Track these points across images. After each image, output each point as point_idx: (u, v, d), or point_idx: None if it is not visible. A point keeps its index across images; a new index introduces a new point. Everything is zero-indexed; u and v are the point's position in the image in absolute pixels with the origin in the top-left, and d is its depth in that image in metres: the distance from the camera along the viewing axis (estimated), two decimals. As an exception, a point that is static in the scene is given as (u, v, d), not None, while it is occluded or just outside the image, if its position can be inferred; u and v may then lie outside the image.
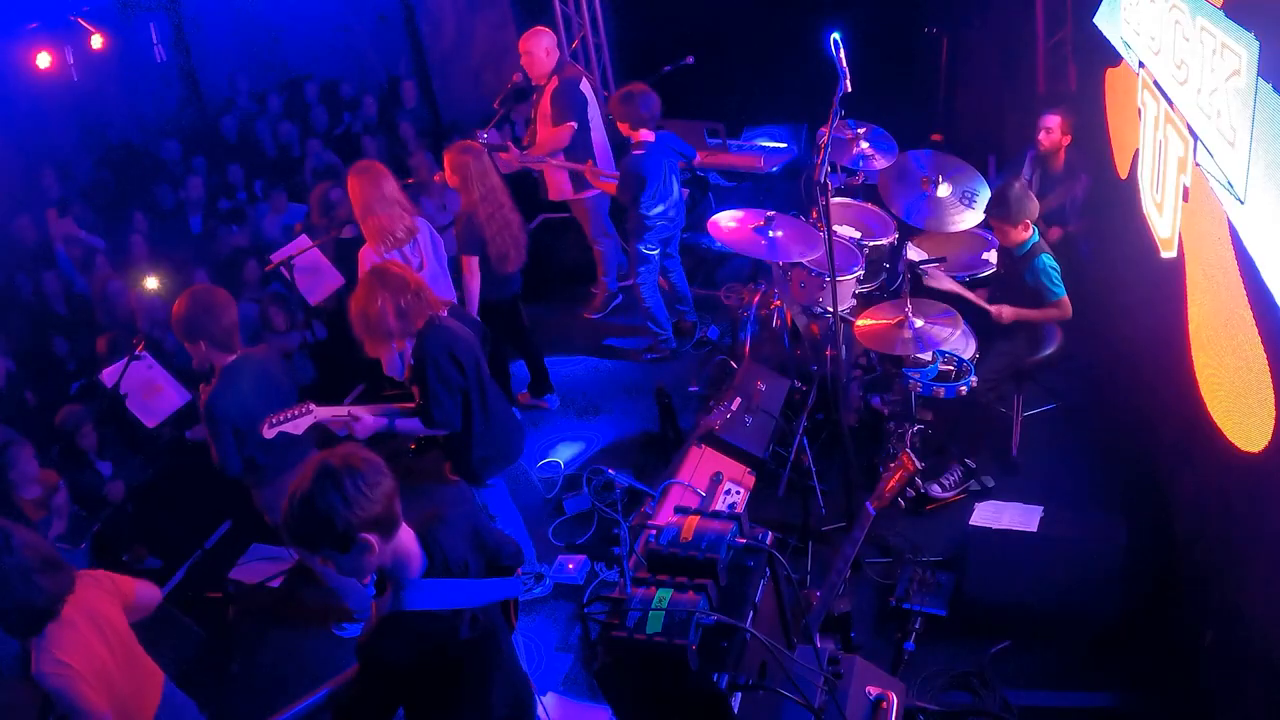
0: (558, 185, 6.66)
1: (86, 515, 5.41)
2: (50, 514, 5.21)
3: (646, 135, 5.79)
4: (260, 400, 4.08)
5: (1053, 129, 5.59)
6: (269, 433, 3.84)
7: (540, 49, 6.35)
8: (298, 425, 3.87)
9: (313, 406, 3.91)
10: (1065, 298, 4.74)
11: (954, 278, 5.01)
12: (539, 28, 6.51)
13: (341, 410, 4.01)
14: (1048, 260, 4.73)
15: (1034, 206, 4.77)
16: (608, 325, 7.01)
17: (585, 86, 6.57)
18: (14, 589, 2.89)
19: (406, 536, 2.56)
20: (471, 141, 5.65)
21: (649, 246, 6.08)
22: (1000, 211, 4.74)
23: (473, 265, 5.37)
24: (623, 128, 5.86)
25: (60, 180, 8.37)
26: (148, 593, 3.42)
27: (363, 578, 2.53)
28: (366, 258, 4.93)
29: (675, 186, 6.02)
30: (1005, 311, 4.81)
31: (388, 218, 4.90)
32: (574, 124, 6.37)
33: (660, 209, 5.93)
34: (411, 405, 4.06)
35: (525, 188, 6.84)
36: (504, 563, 2.87)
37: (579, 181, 6.49)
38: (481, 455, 4.24)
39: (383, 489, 2.41)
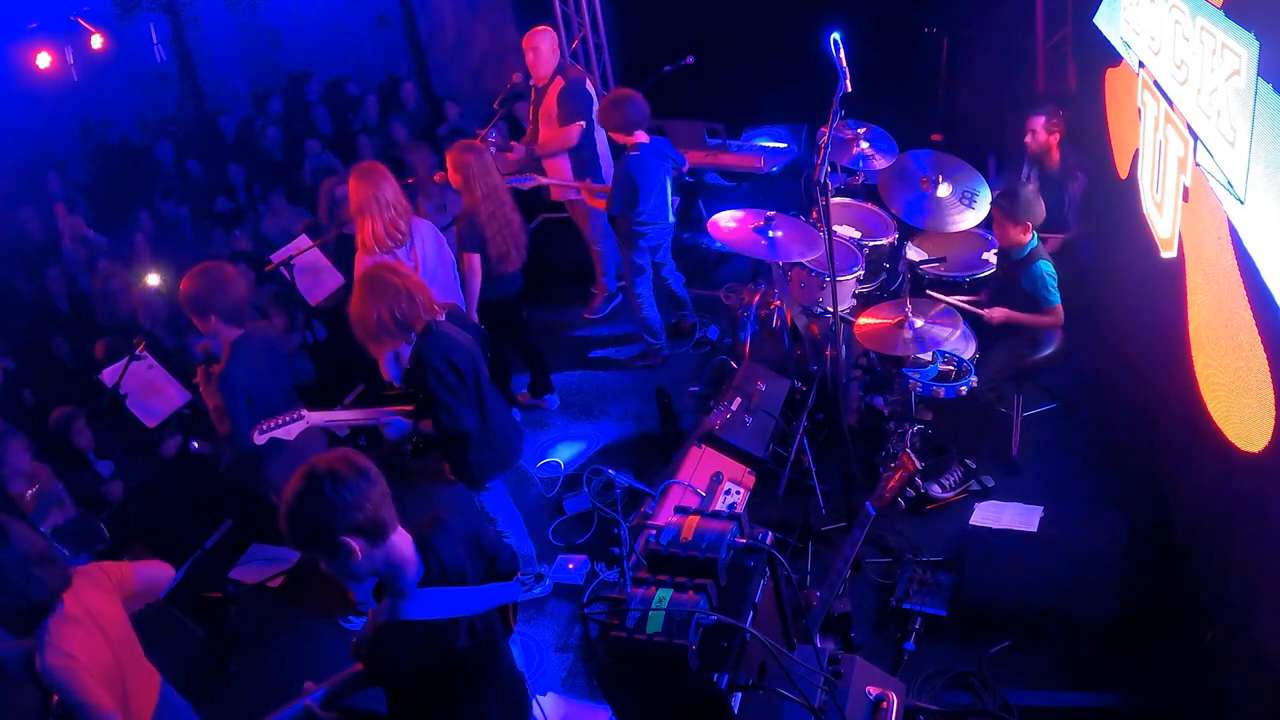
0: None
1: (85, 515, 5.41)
2: (40, 504, 5.21)
3: (641, 137, 5.78)
4: (269, 372, 4.21)
5: (1037, 130, 5.61)
6: (260, 439, 3.86)
7: (546, 47, 6.38)
8: (289, 431, 3.89)
9: (304, 412, 3.93)
10: (1059, 306, 4.76)
11: (951, 278, 5.01)
12: (544, 26, 6.53)
13: (349, 414, 4.05)
14: (1046, 267, 4.75)
15: (1040, 212, 4.80)
16: (606, 327, 7.01)
17: (589, 86, 6.58)
18: (12, 582, 2.89)
19: (402, 542, 2.53)
20: (473, 140, 5.64)
21: (641, 255, 6.05)
22: (1007, 205, 4.75)
23: (474, 263, 5.37)
24: (614, 135, 5.82)
25: (62, 180, 8.37)
26: (150, 574, 3.42)
27: (357, 581, 2.52)
28: (361, 261, 4.92)
29: (669, 191, 6.01)
30: (996, 313, 4.82)
31: (380, 221, 4.87)
32: (583, 122, 6.38)
33: (653, 212, 5.92)
34: (410, 408, 4.06)
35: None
36: (501, 569, 2.85)
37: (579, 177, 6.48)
38: (479, 459, 4.23)
39: (368, 495, 2.39)
